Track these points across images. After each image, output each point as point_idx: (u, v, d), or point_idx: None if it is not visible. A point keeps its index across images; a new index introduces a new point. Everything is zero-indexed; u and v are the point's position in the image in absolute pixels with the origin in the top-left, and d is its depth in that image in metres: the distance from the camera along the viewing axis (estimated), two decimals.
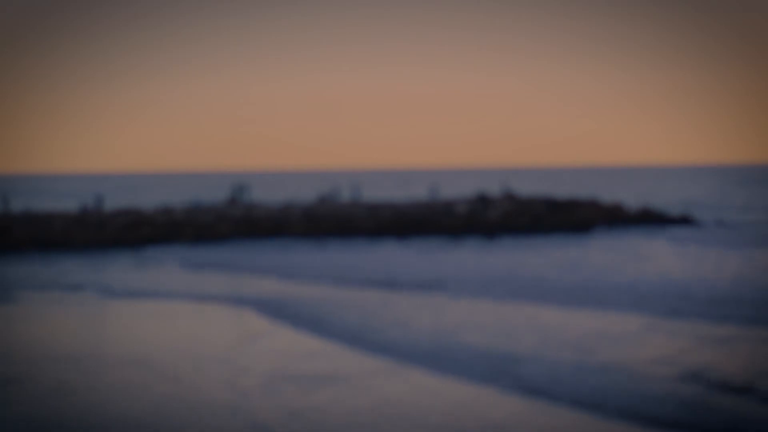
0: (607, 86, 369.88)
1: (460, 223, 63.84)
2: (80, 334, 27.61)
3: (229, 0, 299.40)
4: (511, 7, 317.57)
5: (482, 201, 68.37)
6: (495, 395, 19.16)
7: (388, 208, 65.55)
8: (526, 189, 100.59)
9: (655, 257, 46.32)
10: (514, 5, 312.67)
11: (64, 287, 37.83)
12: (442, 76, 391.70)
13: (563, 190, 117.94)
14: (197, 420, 17.35)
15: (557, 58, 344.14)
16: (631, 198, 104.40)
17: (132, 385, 20.23)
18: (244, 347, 25.20)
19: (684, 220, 70.76)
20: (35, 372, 21.82)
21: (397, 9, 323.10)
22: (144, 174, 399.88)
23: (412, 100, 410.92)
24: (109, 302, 34.02)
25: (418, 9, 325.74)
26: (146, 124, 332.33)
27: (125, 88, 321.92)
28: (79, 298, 35.02)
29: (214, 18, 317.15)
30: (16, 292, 36.68)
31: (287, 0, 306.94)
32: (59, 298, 35.11)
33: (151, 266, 46.78)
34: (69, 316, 31.00)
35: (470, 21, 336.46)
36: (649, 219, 69.92)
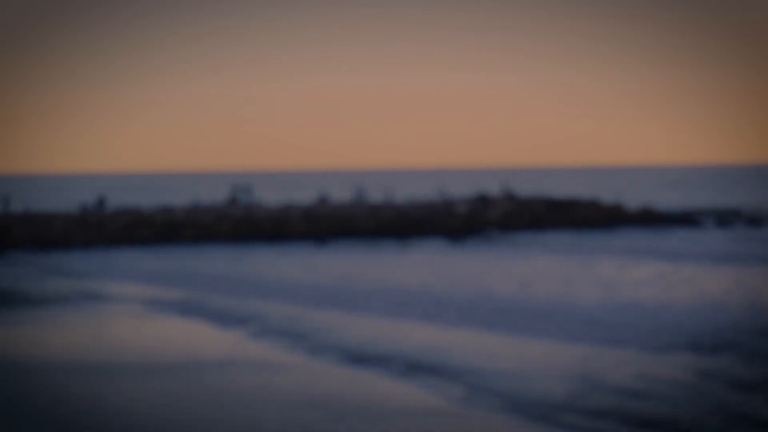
0: (607, 86, 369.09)
1: (460, 223, 63.87)
2: None
3: (229, 0, 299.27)
4: (511, 7, 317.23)
5: (482, 201, 68.39)
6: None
7: (389, 208, 65.56)
8: (526, 189, 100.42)
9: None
10: (514, 5, 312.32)
11: None
12: (442, 76, 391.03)
13: (563, 190, 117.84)
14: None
15: (557, 58, 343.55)
16: (631, 198, 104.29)
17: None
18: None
19: (684, 220, 70.72)
20: None
21: (397, 9, 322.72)
22: (144, 174, 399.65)
23: (412, 100, 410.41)
24: None
25: (418, 9, 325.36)
26: (146, 124, 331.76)
27: (125, 88, 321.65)
28: None
29: (214, 18, 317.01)
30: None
31: (287, 0, 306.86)
32: None
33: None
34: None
35: (470, 21, 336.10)
36: (650, 219, 69.89)
